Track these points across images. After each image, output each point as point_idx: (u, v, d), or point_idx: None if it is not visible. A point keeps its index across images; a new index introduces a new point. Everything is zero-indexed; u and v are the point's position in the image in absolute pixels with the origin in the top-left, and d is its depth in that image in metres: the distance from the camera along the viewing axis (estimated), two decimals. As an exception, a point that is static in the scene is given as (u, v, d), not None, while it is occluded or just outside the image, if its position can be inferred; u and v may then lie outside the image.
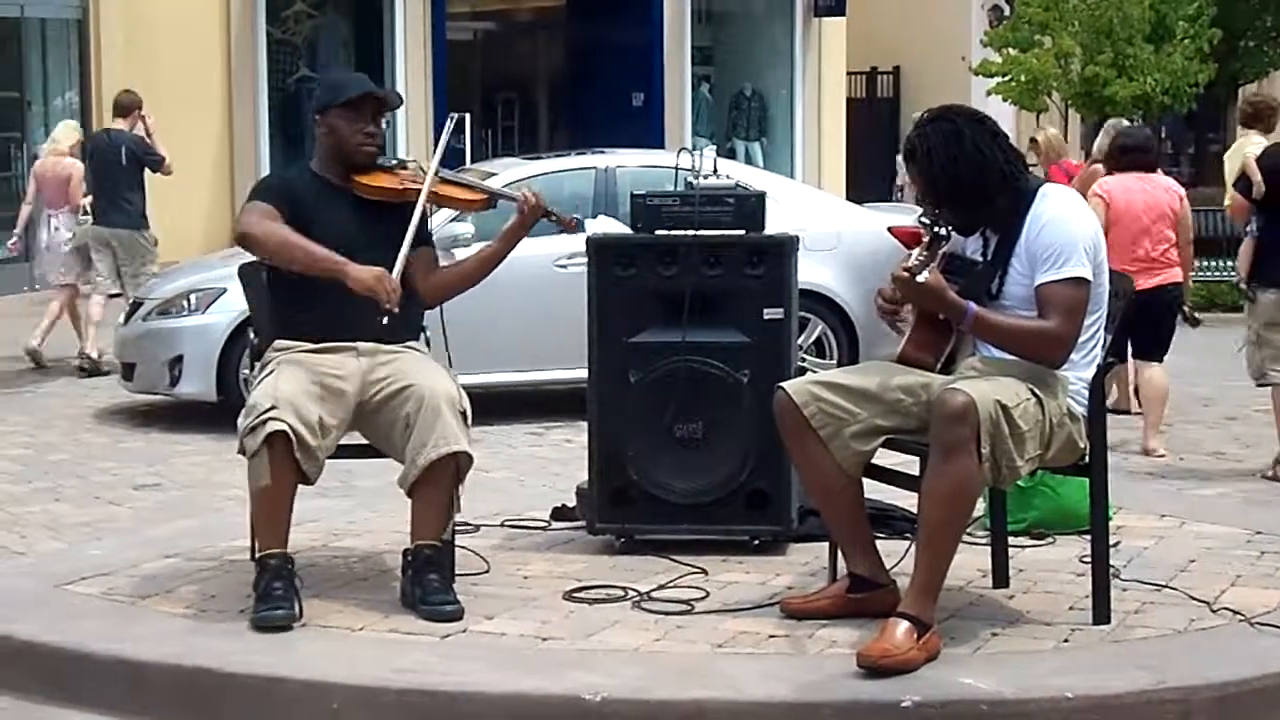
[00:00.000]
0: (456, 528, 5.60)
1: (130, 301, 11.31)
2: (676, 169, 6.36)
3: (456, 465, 5.23)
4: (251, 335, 5.88)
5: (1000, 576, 5.54)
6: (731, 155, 21.71)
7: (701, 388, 5.95)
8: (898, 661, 4.64)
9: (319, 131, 5.62)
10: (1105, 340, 5.12)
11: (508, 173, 10.97)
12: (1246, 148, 10.11)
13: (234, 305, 9.73)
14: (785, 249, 6.06)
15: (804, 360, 9.11)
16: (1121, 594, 5.32)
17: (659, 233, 6.07)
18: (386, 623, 5.16)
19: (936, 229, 4.94)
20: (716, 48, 24.59)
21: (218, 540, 6.22)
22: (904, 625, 4.71)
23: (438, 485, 5.24)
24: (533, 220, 5.62)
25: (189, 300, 10.60)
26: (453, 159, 19.07)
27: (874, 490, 5.36)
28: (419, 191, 5.49)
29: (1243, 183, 9.09)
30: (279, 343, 5.49)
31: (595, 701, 4.53)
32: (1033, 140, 13.72)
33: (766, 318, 5.97)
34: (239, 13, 19.46)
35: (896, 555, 5.25)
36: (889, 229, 10.81)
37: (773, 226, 6.16)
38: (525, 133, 24.53)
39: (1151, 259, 9.40)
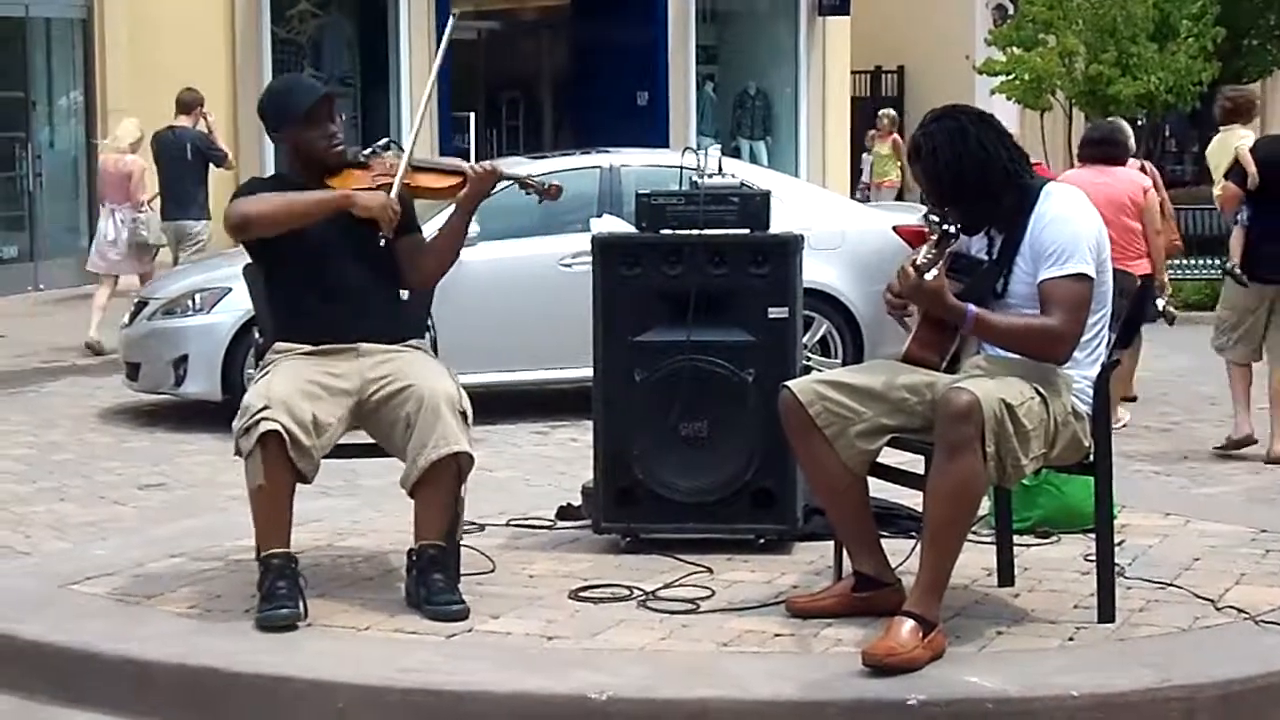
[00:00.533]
0: (462, 527, 5.61)
1: (135, 302, 11.33)
2: (681, 168, 6.36)
3: (458, 465, 5.23)
4: (256, 334, 5.88)
5: (1005, 575, 5.54)
6: (736, 154, 21.71)
7: (706, 387, 5.95)
8: (903, 660, 4.64)
9: (283, 147, 5.63)
10: (1109, 339, 5.12)
11: (512, 172, 10.96)
12: (1235, 141, 10.18)
13: (239, 305, 9.75)
14: (790, 248, 6.06)
15: (809, 359, 9.12)
16: (1126, 592, 5.32)
17: (664, 232, 6.07)
18: (392, 622, 5.16)
19: (944, 227, 4.94)
20: (721, 47, 24.59)
21: (222, 540, 6.23)
22: (909, 624, 4.71)
23: (439, 485, 5.24)
24: (486, 185, 5.56)
25: (194, 300, 10.62)
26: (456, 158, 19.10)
27: (879, 489, 5.36)
28: (391, 185, 5.48)
29: (1236, 173, 9.30)
30: (278, 345, 5.50)
31: (601, 700, 4.53)
32: None
33: (771, 317, 5.97)
34: (243, 12, 19.46)
35: (901, 554, 5.24)
36: (894, 228, 10.82)
37: (777, 225, 6.16)
38: (530, 132, 24.54)
39: (1119, 248, 9.39)
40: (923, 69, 26.74)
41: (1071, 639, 4.98)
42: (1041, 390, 4.90)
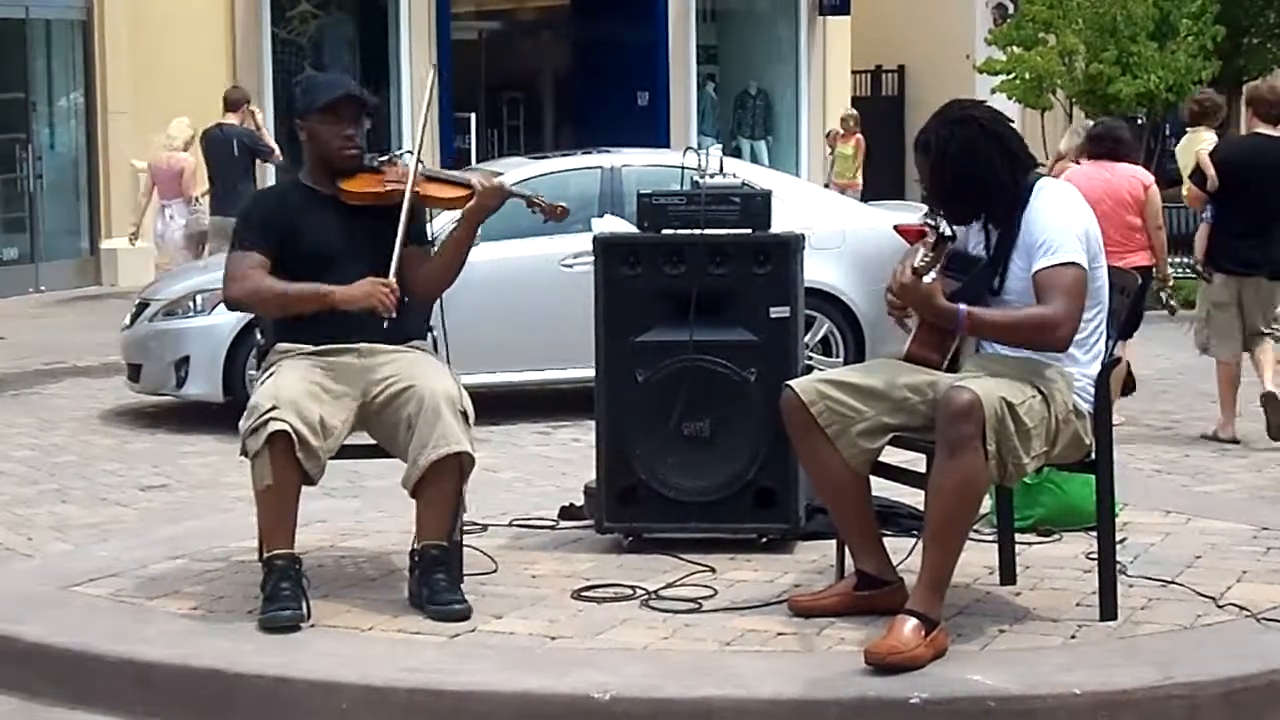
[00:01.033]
0: (464, 528, 5.61)
1: (137, 303, 11.32)
2: (683, 168, 6.36)
3: (459, 465, 5.23)
4: (258, 336, 5.89)
5: (1007, 573, 5.55)
6: (736, 154, 21.71)
7: (708, 386, 5.96)
8: (905, 658, 4.65)
9: (301, 137, 5.63)
10: (1109, 336, 5.12)
11: (514, 172, 10.95)
12: (1198, 144, 10.51)
13: (240, 306, 9.74)
14: (791, 247, 6.06)
15: (810, 358, 9.13)
16: (1128, 590, 5.33)
17: (665, 232, 6.07)
18: (395, 623, 5.17)
19: (942, 231, 4.94)
20: (721, 46, 24.59)
21: (225, 541, 6.23)
22: (911, 622, 4.72)
23: (440, 485, 5.25)
24: (491, 201, 5.55)
25: (195, 301, 10.61)
26: (459, 159, 19.13)
27: (881, 488, 5.36)
28: (403, 192, 5.48)
29: (1197, 175, 9.77)
30: (280, 345, 5.51)
31: (604, 700, 4.54)
32: None
33: (773, 316, 5.97)
34: (244, 13, 19.46)
35: (903, 553, 5.25)
36: (895, 227, 10.80)
37: (779, 225, 6.17)
38: (530, 132, 24.53)
39: (1116, 242, 9.48)
40: (923, 68, 26.73)
41: (1073, 637, 4.99)
42: (1042, 389, 4.91)
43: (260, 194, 6.06)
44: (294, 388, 5.22)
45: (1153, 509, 6.63)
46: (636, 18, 22.54)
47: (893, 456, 5.19)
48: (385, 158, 5.65)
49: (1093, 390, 5.04)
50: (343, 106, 5.52)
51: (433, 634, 5.06)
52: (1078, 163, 10.64)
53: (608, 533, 6.10)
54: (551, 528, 6.41)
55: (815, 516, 5.96)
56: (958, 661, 4.73)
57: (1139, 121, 22.01)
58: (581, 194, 10.67)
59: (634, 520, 6.06)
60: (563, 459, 9.10)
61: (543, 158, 12.76)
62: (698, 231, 6.01)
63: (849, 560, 5.32)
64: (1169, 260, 11.07)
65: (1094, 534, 5.23)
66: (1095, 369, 5.05)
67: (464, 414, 5.26)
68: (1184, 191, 10.56)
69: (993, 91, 20.80)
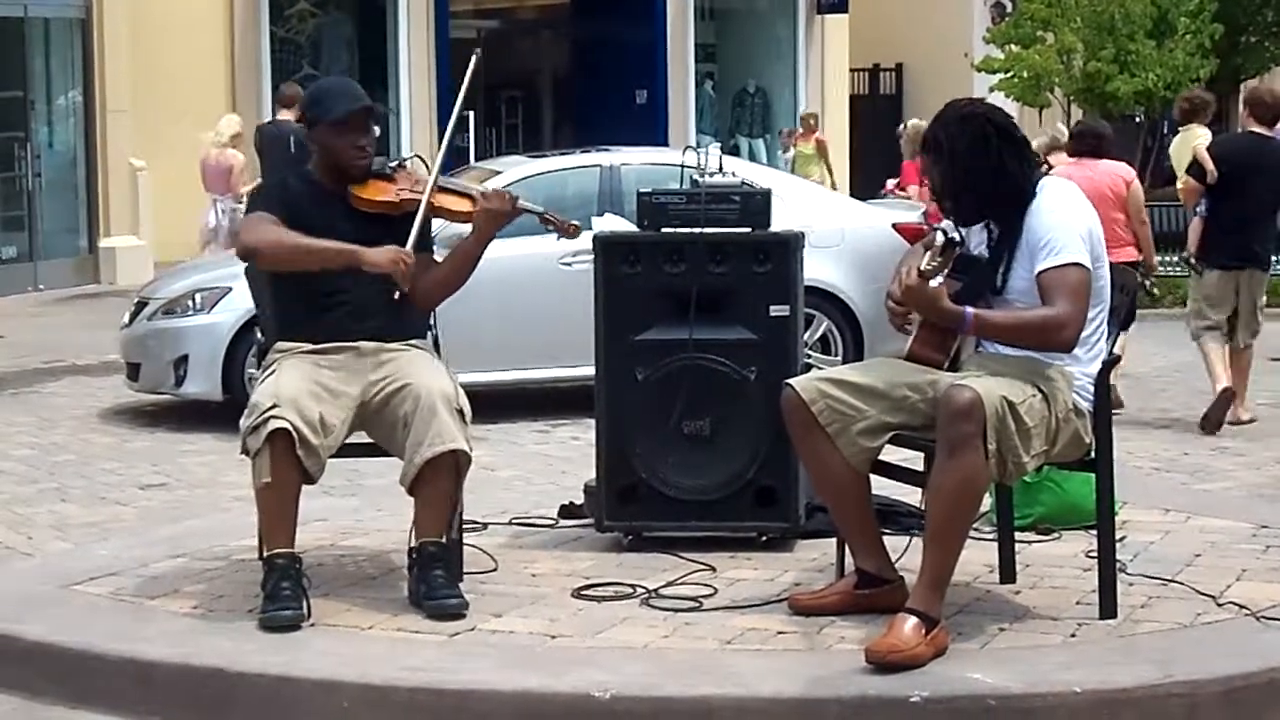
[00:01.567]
0: (464, 526, 5.61)
1: (135, 301, 11.33)
2: (682, 167, 6.36)
3: (455, 463, 5.24)
4: (258, 334, 5.89)
5: (1007, 572, 5.55)
6: (735, 152, 21.72)
7: (708, 385, 5.96)
8: (905, 657, 4.65)
9: (310, 145, 5.62)
10: (1109, 335, 5.13)
11: (513, 171, 10.99)
12: (1193, 140, 11.12)
13: (239, 304, 9.75)
14: (791, 246, 6.06)
15: (809, 357, 9.13)
16: (1128, 588, 5.33)
17: (665, 230, 6.07)
18: (395, 621, 5.17)
19: (950, 236, 4.95)
20: (720, 45, 24.60)
21: (225, 540, 6.23)
22: (912, 621, 4.72)
23: (437, 483, 5.25)
24: (497, 207, 5.54)
25: (194, 300, 10.61)
26: (457, 157, 19.11)
27: (881, 486, 5.36)
28: (416, 203, 5.48)
29: (1195, 168, 10.18)
30: (280, 344, 5.51)
31: (604, 699, 4.54)
32: (901, 128, 14.33)
33: (773, 315, 5.97)
34: (242, 11, 19.47)
35: (903, 551, 5.25)
36: (893, 225, 10.81)
37: (778, 224, 6.17)
38: (529, 130, 24.55)
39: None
40: (921, 67, 26.74)
41: (1073, 635, 4.99)
42: (1042, 387, 4.91)
43: (275, 177, 6.09)
44: (294, 386, 5.22)
45: (1152, 507, 6.64)
46: (635, 16, 22.55)
47: (892, 455, 5.19)
48: (395, 163, 5.65)
49: (1092, 389, 5.04)
50: (357, 118, 5.53)
51: (433, 633, 5.06)
52: (1046, 162, 10.84)
53: (608, 531, 6.10)
54: (551, 526, 6.41)
55: (815, 515, 5.96)
56: (958, 660, 4.73)
57: (1137, 120, 22.03)
58: (580, 192, 10.69)
59: (634, 519, 6.06)
60: (562, 457, 9.10)
61: (542, 156, 12.77)
62: (698, 230, 6.01)
63: (849, 559, 5.32)
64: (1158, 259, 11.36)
65: (1094, 532, 5.23)
66: (1095, 368, 5.06)
67: (460, 412, 5.26)
68: (1179, 186, 10.95)
69: (991, 90, 20.81)
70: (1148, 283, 10.84)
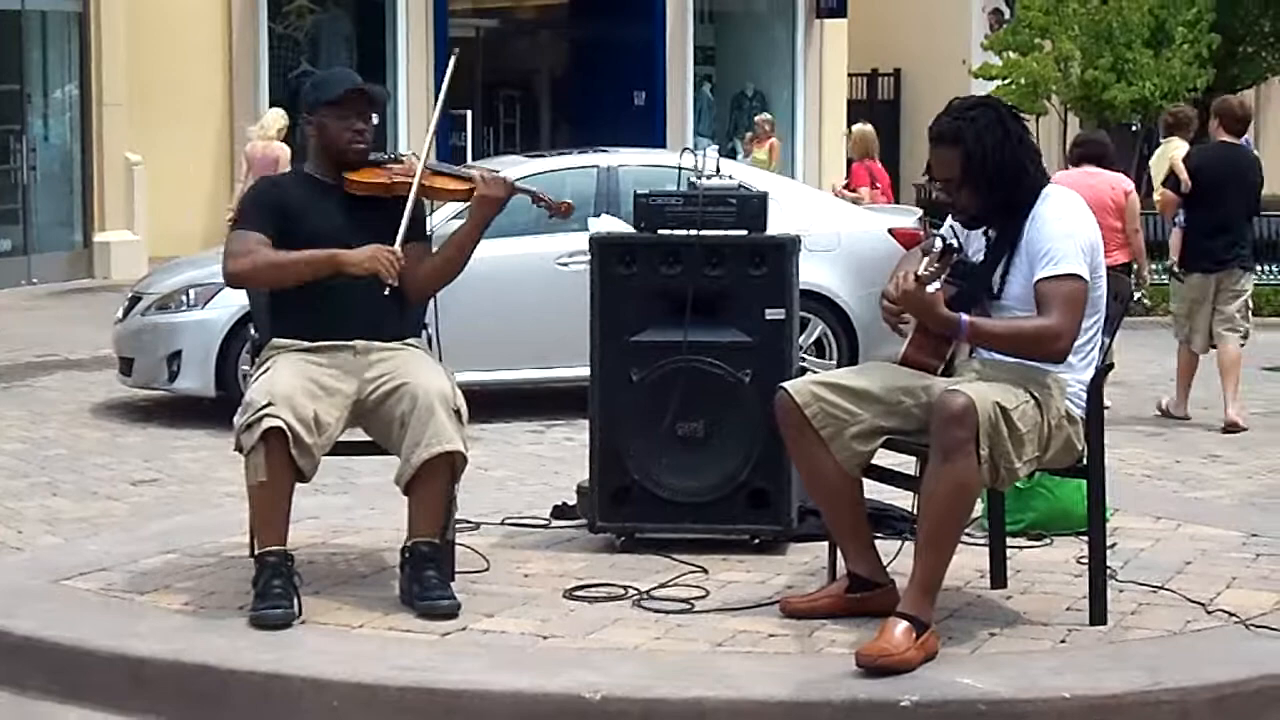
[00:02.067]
0: (456, 525, 5.61)
1: (129, 296, 11.32)
2: (680, 169, 6.36)
3: (451, 464, 5.24)
4: (252, 330, 5.89)
5: (998, 577, 5.56)
6: (733, 155, 21.71)
7: (703, 387, 5.96)
8: (896, 661, 4.65)
9: (309, 130, 5.63)
10: (1104, 343, 5.13)
11: (511, 170, 10.94)
12: (1171, 151, 11.75)
13: (233, 300, 9.73)
14: (787, 249, 6.07)
15: (804, 360, 9.13)
16: (1118, 595, 5.34)
17: (662, 232, 6.07)
18: (386, 620, 5.17)
19: (950, 242, 4.94)
20: (718, 47, 24.61)
21: (217, 536, 6.23)
22: (902, 625, 4.72)
23: (432, 484, 5.25)
24: (496, 194, 5.53)
25: (188, 295, 10.61)
26: (454, 156, 19.13)
27: (873, 490, 5.37)
28: (409, 185, 5.49)
29: (1171, 180, 10.66)
30: (275, 341, 5.50)
31: (595, 700, 4.54)
32: (848, 132, 14.58)
33: (768, 318, 5.98)
34: (240, 7, 19.46)
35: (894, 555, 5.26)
36: (889, 230, 10.82)
37: (774, 227, 6.17)
38: (527, 131, 24.55)
39: None
40: (919, 72, 26.75)
41: (1064, 641, 4.99)
42: (1035, 394, 4.92)
43: (262, 180, 6.09)
44: (289, 384, 5.22)
45: (1143, 514, 6.64)
46: (634, 17, 22.55)
47: (885, 459, 5.20)
48: (391, 156, 5.67)
49: (1085, 396, 5.04)
50: (352, 100, 5.53)
51: (424, 632, 5.06)
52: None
53: (600, 532, 6.10)
54: (544, 527, 6.40)
55: (808, 518, 5.97)
56: (948, 664, 4.73)
57: (1133, 128, 22.05)
58: (578, 193, 10.63)
59: (627, 520, 6.06)
60: (556, 458, 9.11)
61: (540, 156, 12.77)
62: (694, 232, 6.01)
63: (841, 562, 5.33)
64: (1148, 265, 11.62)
65: (1085, 539, 5.24)
66: (1089, 375, 5.06)
67: (457, 412, 5.26)
68: (1156, 196, 11.44)
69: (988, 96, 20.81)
70: (1139, 294, 11.13)
